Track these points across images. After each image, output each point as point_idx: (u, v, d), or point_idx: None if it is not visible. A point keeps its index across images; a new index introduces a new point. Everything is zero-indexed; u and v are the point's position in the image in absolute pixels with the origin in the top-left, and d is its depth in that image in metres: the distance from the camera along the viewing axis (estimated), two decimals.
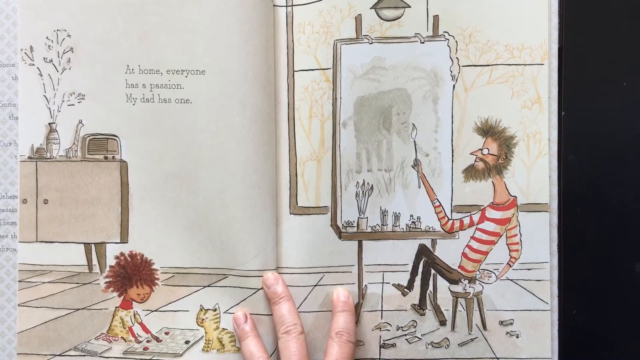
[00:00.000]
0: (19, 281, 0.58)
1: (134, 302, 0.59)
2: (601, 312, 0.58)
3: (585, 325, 0.58)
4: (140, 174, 0.58)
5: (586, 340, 0.58)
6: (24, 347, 0.58)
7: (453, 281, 0.59)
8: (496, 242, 0.59)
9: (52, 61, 0.58)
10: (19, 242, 0.58)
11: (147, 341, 0.59)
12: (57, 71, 0.58)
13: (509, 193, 0.58)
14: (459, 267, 0.59)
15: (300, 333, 0.55)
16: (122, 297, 0.59)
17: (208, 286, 0.58)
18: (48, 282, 0.59)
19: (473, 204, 0.59)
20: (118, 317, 0.59)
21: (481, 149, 0.58)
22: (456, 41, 0.58)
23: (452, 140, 0.59)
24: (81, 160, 0.59)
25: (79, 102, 0.58)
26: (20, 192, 0.58)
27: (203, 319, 0.58)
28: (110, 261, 0.59)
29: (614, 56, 0.58)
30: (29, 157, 0.58)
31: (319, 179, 0.59)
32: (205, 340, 0.58)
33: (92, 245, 0.59)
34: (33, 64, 0.58)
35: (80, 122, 0.58)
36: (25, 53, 0.58)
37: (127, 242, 0.58)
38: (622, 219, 0.58)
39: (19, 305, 0.58)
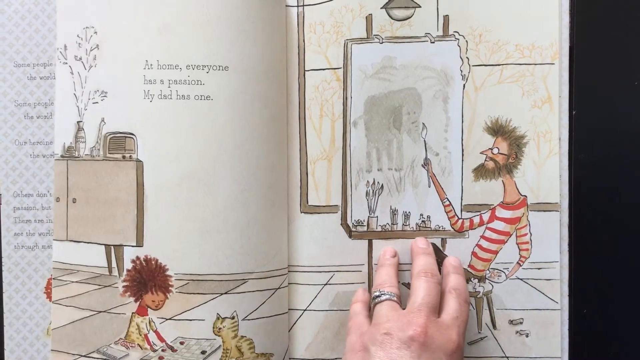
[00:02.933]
0: (53, 279, 0.57)
1: (149, 309, 0.57)
2: (611, 312, 0.58)
3: (596, 325, 0.58)
4: (156, 174, 0.56)
5: (596, 340, 0.58)
6: (57, 345, 0.57)
7: None
8: (506, 242, 0.59)
9: (81, 59, 0.57)
10: (54, 240, 0.57)
11: (162, 350, 0.57)
12: (85, 69, 0.57)
13: (519, 192, 0.58)
14: (469, 266, 0.59)
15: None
16: (138, 303, 0.57)
17: (225, 293, 0.56)
18: (76, 281, 0.57)
19: (483, 203, 0.59)
20: (134, 323, 0.57)
21: (491, 148, 0.58)
22: (466, 41, 0.58)
23: (462, 140, 0.59)
24: (102, 160, 0.57)
25: (102, 100, 0.57)
26: (54, 190, 0.58)
27: (220, 328, 0.56)
28: (128, 265, 0.57)
29: (626, 55, 0.57)
30: (62, 156, 0.57)
31: (329, 178, 0.59)
32: (223, 349, 0.56)
33: (112, 248, 0.57)
34: (66, 63, 0.57)
35: (103, 120, 0.57)
36: (60, 52, 0.57)
37: (142, 246, 0.56)
38: (633, 218, 0.58)
39: (53, 302, 0.58)
